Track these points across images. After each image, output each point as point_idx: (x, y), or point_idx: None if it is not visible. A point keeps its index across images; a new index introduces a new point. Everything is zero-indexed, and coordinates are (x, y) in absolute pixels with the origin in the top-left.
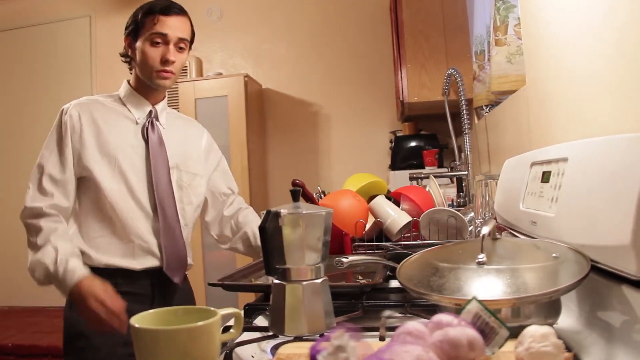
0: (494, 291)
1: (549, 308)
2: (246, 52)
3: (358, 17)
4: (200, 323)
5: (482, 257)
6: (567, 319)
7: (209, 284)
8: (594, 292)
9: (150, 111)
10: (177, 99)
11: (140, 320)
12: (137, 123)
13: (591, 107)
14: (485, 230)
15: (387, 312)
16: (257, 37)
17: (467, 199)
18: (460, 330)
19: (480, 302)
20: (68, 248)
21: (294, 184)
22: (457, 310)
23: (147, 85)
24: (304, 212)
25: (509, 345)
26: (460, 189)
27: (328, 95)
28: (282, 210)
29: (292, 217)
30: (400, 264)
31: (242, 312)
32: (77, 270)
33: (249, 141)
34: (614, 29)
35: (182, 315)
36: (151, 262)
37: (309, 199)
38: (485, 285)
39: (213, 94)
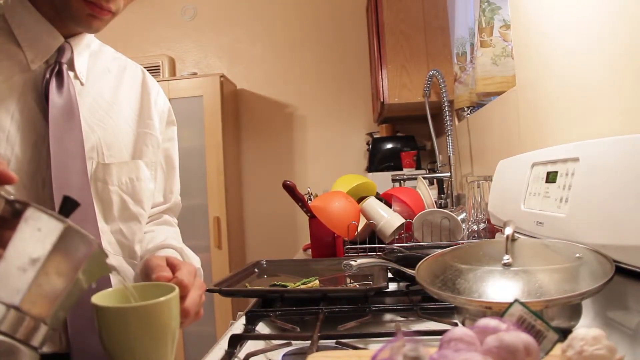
0: (523, 293)
1: (572, 310)
2: (221, 52)
3: (334, 18)
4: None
5: (507, 258)
6: (583, 320)
7: (207, 290)
8: (610, 292)
9: (61, 48)
10: None
11: (102, 298)
12: (30, 69)
13: (587, 108)
14: (508, 230)
15: (388, 316)
16: (232, 36)
17: (448, 200)
18: (515, 335)
19: (523, 304)
20: None
21: (284, 185)
22: (486, 313)
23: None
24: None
25: (554, 349)
26: (441, 190)
27: (304, 96)
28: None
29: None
30: (417, 266)
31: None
32: None
33: (224, 142)
34: (607, 28)
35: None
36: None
37: (300, 200)
38: (513, 287)
39: (188, 94)
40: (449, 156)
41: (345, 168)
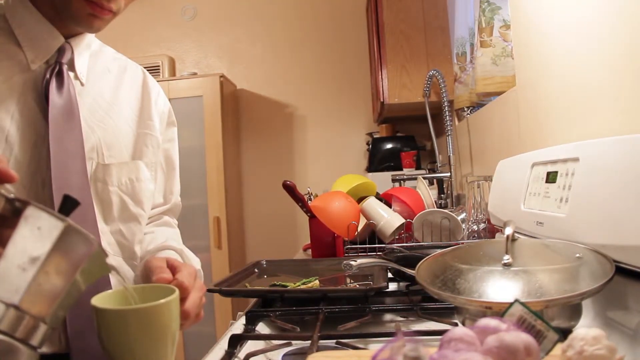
0: (523, 293)
1: (572, 310)
2: (221, 52)
3: (334, 18)
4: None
5: (507, 258)
6: (583, 320)
7: (207, 290)
8: (610, 292)
9: (61, 49)
10: None
11: (102, 300)
12: (30, 69)
13: (587, 108)
14: (508, 230)
15: (388, 316)
16: (232, 36)
17: (448, 200)
18: (515, 335)
19: (523, 304)
20: None
21: (284, 185)
22: (486, 313)
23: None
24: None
25: (554, 349)
26: (441, 190)
27: (304, 96)
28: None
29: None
30: (417, 266)
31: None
32: None
33: (224, 142)
34: (607, 28)
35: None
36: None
37: (300, 200)
38: (513, 287)
39: (188, 94)
40: (449, 156)
41: (345, 168)
